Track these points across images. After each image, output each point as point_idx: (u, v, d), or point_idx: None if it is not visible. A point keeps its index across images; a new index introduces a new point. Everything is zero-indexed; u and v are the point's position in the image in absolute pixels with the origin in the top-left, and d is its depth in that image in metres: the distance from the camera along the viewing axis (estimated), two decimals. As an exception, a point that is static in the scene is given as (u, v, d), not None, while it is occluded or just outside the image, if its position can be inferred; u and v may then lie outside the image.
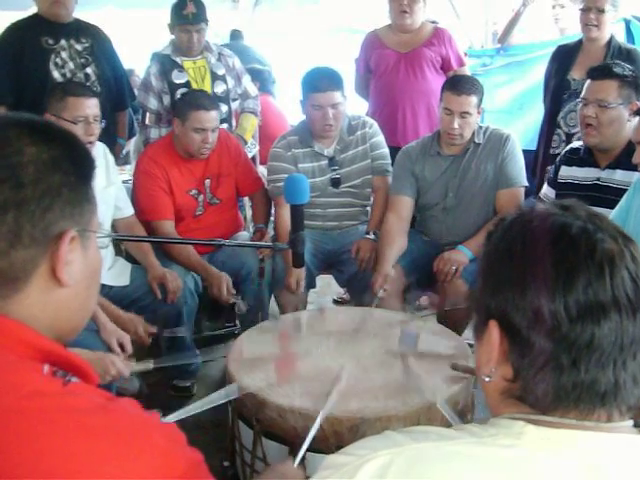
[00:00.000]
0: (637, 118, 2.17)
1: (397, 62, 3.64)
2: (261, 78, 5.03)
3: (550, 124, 3.42)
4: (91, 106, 2.60)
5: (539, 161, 3.44)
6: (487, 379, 0.81)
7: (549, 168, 3.27)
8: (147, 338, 2.43)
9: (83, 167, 0.88)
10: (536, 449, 0.74)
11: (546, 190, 2.85)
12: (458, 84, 2.83)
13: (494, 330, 0.79)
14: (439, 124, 2.94)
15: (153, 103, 3.48)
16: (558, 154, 3.32)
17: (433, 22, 4.02)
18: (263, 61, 6.46)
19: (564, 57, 3.44)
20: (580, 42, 3.43)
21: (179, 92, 3.39)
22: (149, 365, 2.11)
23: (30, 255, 0.80)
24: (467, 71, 3.83)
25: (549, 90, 3.49)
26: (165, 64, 3.47)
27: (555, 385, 0.75)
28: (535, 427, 0.76)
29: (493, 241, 0.84)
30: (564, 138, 3.35)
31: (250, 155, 3.71)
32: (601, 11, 3.24)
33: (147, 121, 3.50)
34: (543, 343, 0.75)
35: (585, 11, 3.28)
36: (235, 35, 6.69)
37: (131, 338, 2.34)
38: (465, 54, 4.15)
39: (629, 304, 0.74)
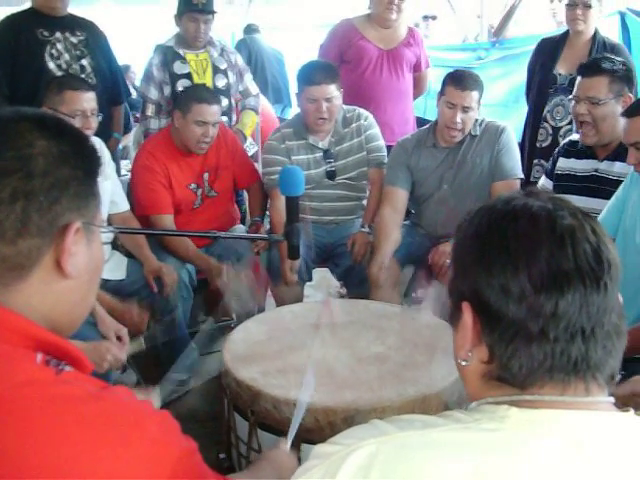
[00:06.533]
0: (623, 119, 2.18)
1: (379, 59, 3.61)
2: None
3: (536, 118, 3.43)
4: (88, 100, 2.60)
5: (525, 155, 3.44)
6: (464, 363, 0.84)
7: (542, 161, 3.28)
8: (143, 324, 2.43)
9: (91, 163, 0.90)
10: (520, 431, 0.75)
11: (544, 182, 2.84)
12: (462, 80, 2.83)
13: (467, 311, 0.82)
14: (438, 117, 2.94)
15: (154, 93, 3.50)
16: (545, 147, 3.34)
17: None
18: (279, 54, 6.33)
19: (549, 51, 3.45)
20: (564, 36, 3.44)
21: (180, 83, 3.42)
22: (141, 343, 2.11)
23: (36, 244, 0.82)
24: (430, 74, 3.93)
25: (534, 84, 3.50)
26: (167, 55, 3.49)
27: (527, 356, 0.77)
28: (518, 409, 0.77)
29: (462, 230, 0.88)
30: (551, 132, 3.37)
31: (250, 154, 3.72)
32: (587, 6, 3.25)
33: (148, 112, 3.52)
34: (511, 314, 0.77)
35: (571, 6, 3.30)
36: (250, 29, 6.46)
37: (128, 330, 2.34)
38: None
39: (592, 274, 0.76)
